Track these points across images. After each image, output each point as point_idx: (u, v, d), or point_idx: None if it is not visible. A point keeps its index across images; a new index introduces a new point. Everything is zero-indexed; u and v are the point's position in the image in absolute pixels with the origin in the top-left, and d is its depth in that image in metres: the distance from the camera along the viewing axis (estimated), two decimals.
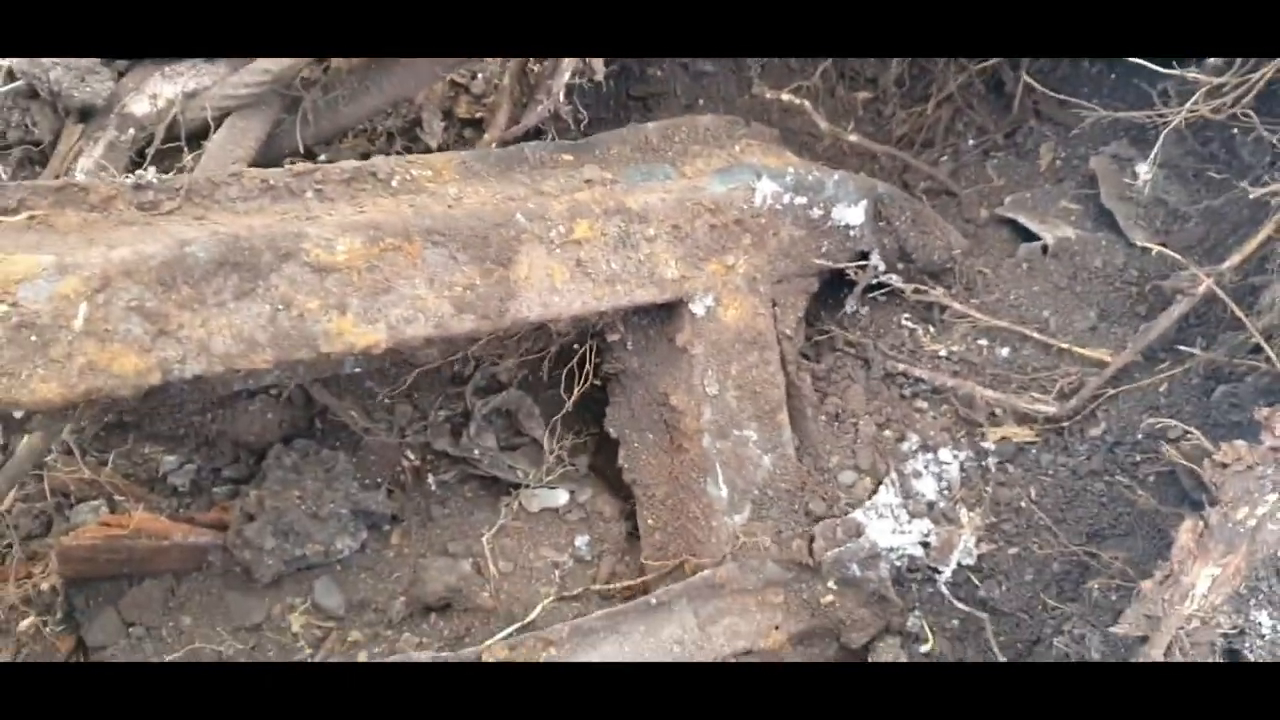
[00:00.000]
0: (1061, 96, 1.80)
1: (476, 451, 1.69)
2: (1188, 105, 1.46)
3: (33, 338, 1.13)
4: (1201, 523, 1.22)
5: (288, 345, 1.26)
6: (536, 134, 1.61)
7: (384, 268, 1.30)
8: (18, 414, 1.17)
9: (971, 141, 1.98)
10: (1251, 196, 1.41)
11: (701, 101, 1.97)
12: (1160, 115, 1.51)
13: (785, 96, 1.84)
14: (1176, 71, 1.51)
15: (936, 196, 1.91)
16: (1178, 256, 1.49)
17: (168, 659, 1.53)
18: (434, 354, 1.50)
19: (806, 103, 1.82)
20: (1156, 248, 1.52)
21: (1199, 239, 1.63)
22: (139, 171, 1.30)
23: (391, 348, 1.32)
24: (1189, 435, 1.33)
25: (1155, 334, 1.53)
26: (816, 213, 1.59)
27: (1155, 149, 1.49)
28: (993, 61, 1.96)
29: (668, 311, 1.54)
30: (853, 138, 1.83)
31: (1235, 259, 1.48)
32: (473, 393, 1.70)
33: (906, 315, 1.71)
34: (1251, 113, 1.45)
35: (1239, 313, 1.42)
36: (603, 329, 1.58)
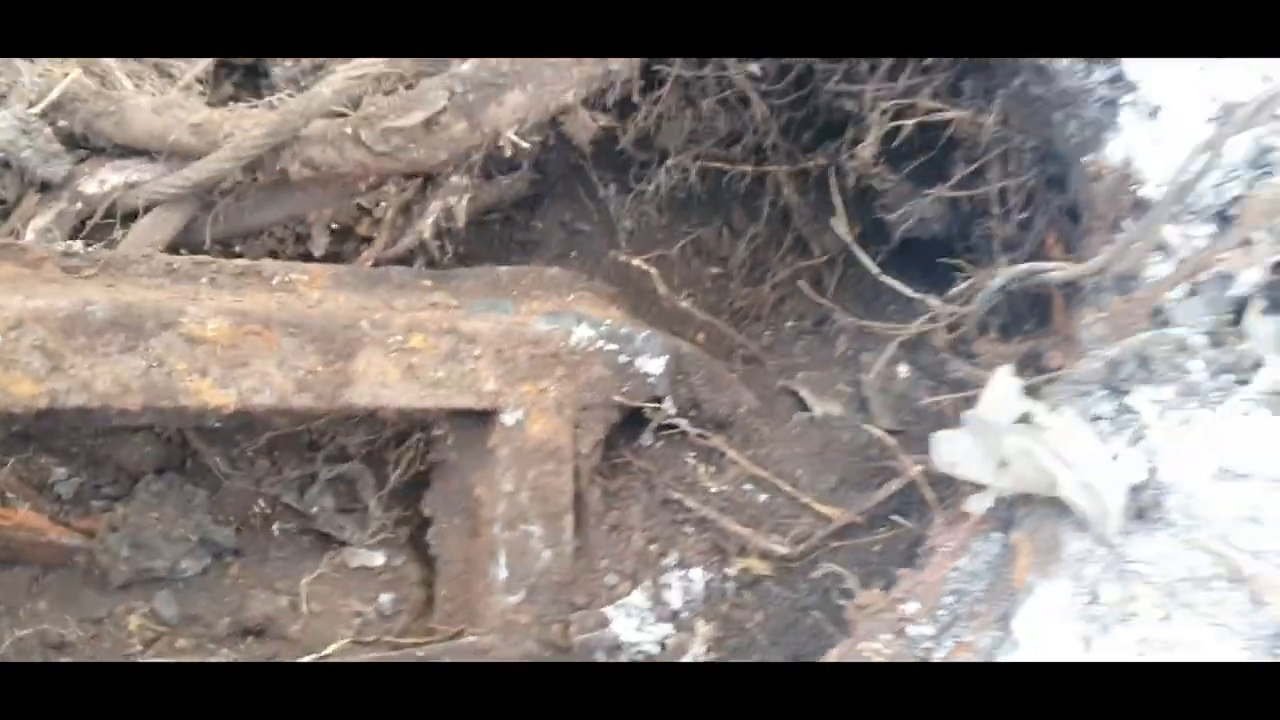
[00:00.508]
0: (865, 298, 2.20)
1: (315, 509, 2.02)
2: (915, 325, 1.85)
3: None
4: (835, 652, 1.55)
5: (154, 395, 1.60)
6: (408, 262, 1.99)
7: (243, 346, 1.65)
8: None
9: (789, 324, 2.37)
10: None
11: (573, 253, 2.36)
12: (898, 329, 1.89)
13: (636, 262, 2.22)
14: (919, 297, 1.89)
15: (749, 362, 2.28)
16: (894, 445, 1.85)
17: (17, 634, 1.85)
18: (282, 422, 1.85)
19: (653, 270, 2.20)
20: (879, 433, 1.88)
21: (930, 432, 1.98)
22: (68, 242, 1.67)
23: (238, 410, 1.67)
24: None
25: (872, 503, 1.89)
26: (623, 359, 1.95)
27: (887, 352, 1.87)
28: (821, 259, 2.37)
29: (484, 418, 1.88)
30: (683, 304, 2.21)
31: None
32: (323, 459, 2.04)
33: (692, 453, 2.06)
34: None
35: (929, 496, 1.77)
36: (431, 424, 1.94)
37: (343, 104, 1.71)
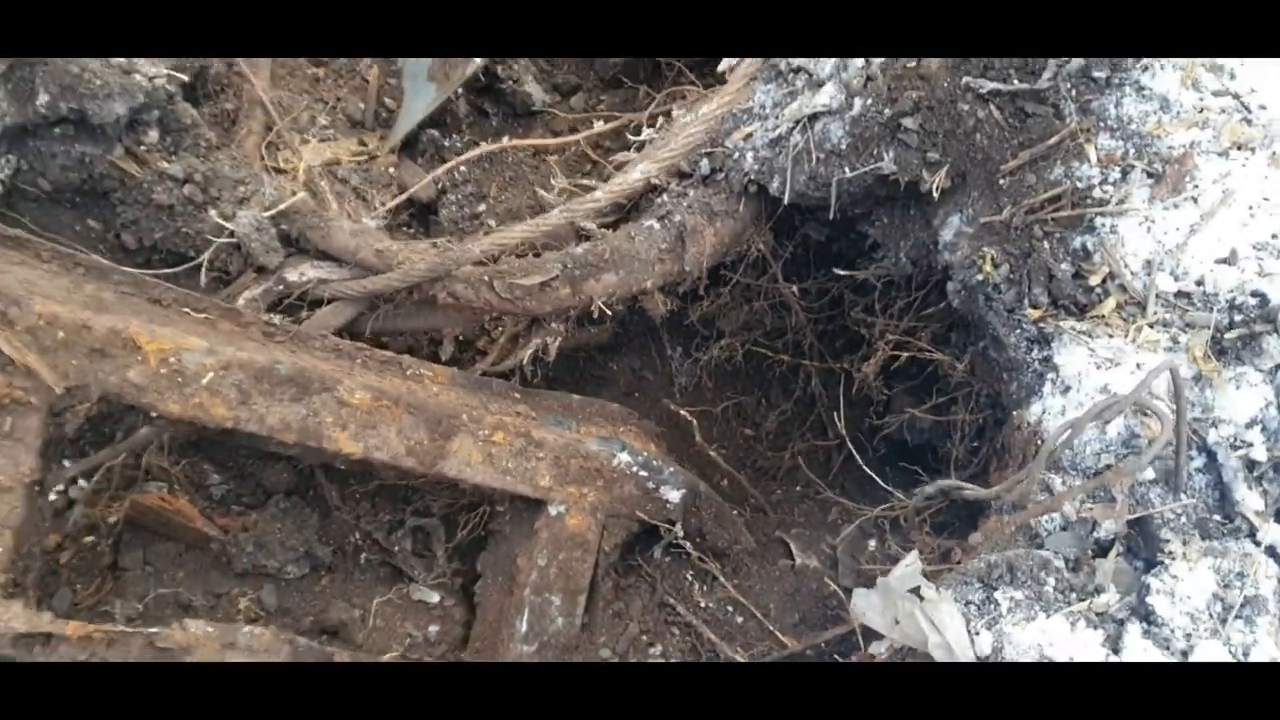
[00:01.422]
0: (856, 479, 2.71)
1: (396, 548, 2.59)
2: (876, 510, 2.36)
3: (179, 379, 2.11)
4: None
5: (306, 435, 2.20)
6: (508, 376, 2.58)
7: (375, 414, 2.25)
8: (153, 415, 2.15)
9: (798, 488, 2.89)
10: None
11: (636, 394, 2.94)
12: (863, 510, 2.41)
13: (683, 412, 2.79)
14: (888, 489, 2.40)
15: (756, 511, 2.81)
16: (846, 598, 2.34)
17: (159, 591, 2.43)
18: (389, 475, 2.43)
19: (695, 421, 2.77)
20: (837, 588, 2.38)
21: None
22: (270, 315, 2.32)
23: (360, 459, 2.26)
24: None
25: (818, 640, 2.37)
26: (650, 485, 2.49)
27: (852, 526, 2.40)
28: (834, 441, 2.89)
29: (535, 505, 2.43)
30: (712, 454, 2.76)
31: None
32: (410, 511, 2.62)
33: (690, 571, 2.57)
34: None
35: (863, 646, 2.25)
36: (496, 501, 2.50)
37: (486, 258, 2.33)
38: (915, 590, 1.92)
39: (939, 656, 1.85)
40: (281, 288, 2.42)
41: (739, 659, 2.40)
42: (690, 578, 2.56)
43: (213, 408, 2.13)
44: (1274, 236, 2.08)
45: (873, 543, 2.59)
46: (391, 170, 2.82)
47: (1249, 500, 1.91)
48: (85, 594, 2.42)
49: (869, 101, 2.27)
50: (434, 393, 2.38)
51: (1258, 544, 1.87)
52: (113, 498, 2.44)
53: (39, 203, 2.37)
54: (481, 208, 2.82)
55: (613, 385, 2.93)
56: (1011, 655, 1.83)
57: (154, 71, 2.27)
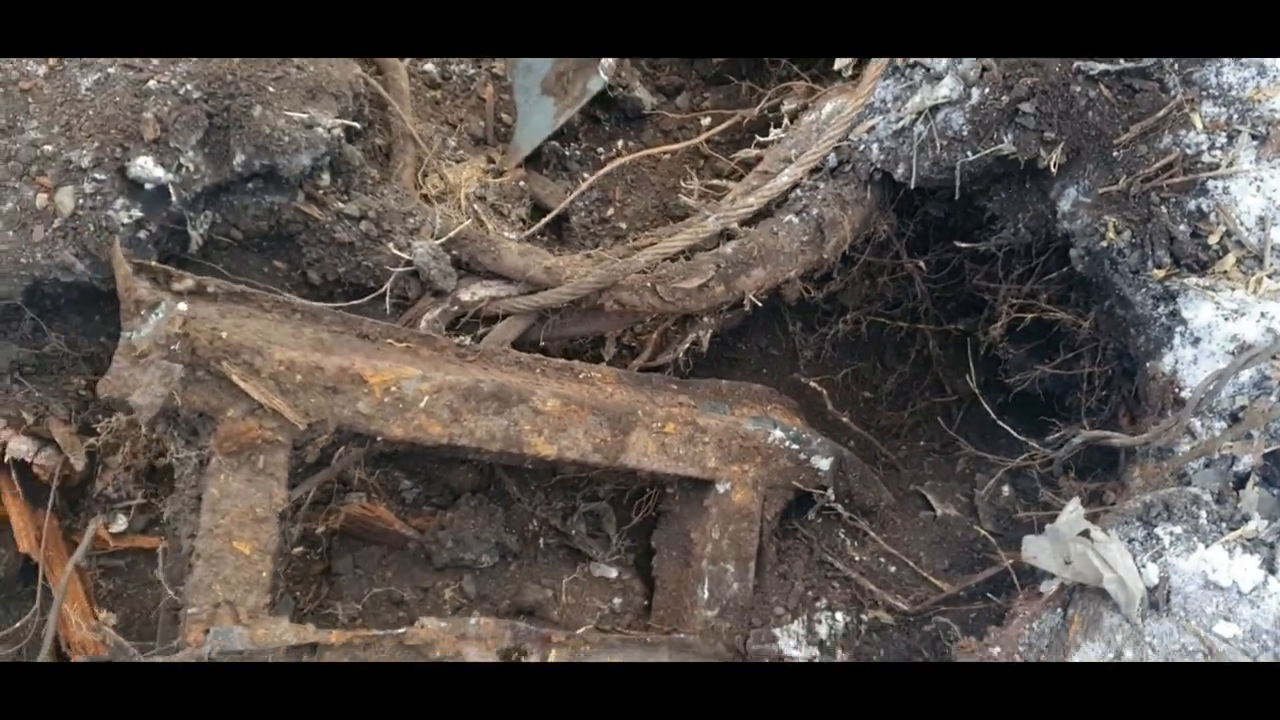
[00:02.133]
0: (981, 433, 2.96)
1: (573, 532, 2.85)
2: (1018, 460, 2.61)
3: (400, 405, 2.35)
4: None
5: (509, 444, 2.44)
6: (662, 368, 2.82)
7: (565, 419, 2.50)
8: (378, 439, 2.39)
9: (921, 443, 3.14)
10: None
11: (764, 370, 3.17)
12: (1005, 461, 2.65)
13: (813, 384, 3.03)
14: (1023, 439, 2.64)
15: (889, 469, 3.06)
16: (994, 543, 2.60)
17: (374, 590, 2.70)
18: (572, 470, 2.68)
19: (824, 391, 3.00)
20: (984, 533, 2.64)
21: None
22: (462, 338, 2.56)
23: (555, 460, 2.51)
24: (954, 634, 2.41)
25: (973, 581, 2.62)
26: (802, 456, 2.74)
27: (995, 476, 2.64)
28: (952, 398, 3.14)
29: (703, 485, 2.67)
30: (845, 419, 3.00)
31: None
32: (580, 497, 2.87)
33: (842, 530, 2.83)
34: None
35: (1015, 581, 2.50)
36: (666, 483, 2.75)
37: (647, 266, 2.56)
38: (1084, 533, 2.17)
39: (1112, 590, 2.10)
40: (458, 308, 2.64)
41: (901, 605, 2.66)
42: (843, 536, 2.82)
43: (430, 428, 2.36)
44: None
45: (1007, 488, 2.84)
46: (521, 184, 3.02)
47: None
48: (306, 600, 2.68)
49: (986, 90, 2.48)
50: (608, 393, 2.62)
51: None
52: (324, 512, 2.69)
53: (229, 250, 2.59)
54: (610, 212, 3.03)
55: (743, 365, 3.16)
56: (1177, 583, 2.08)
57: (330, 122, 2.48)
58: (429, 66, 3.19)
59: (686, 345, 2.68)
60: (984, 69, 2.49)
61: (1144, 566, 2.10)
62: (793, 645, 2.64)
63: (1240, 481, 2.20)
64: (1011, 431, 2.64)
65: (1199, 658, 2.04)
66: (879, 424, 3.20)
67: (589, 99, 2.96)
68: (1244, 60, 2.40)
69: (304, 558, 2.74)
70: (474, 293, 2.65)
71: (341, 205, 2.57)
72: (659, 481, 2.75)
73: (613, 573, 2.83)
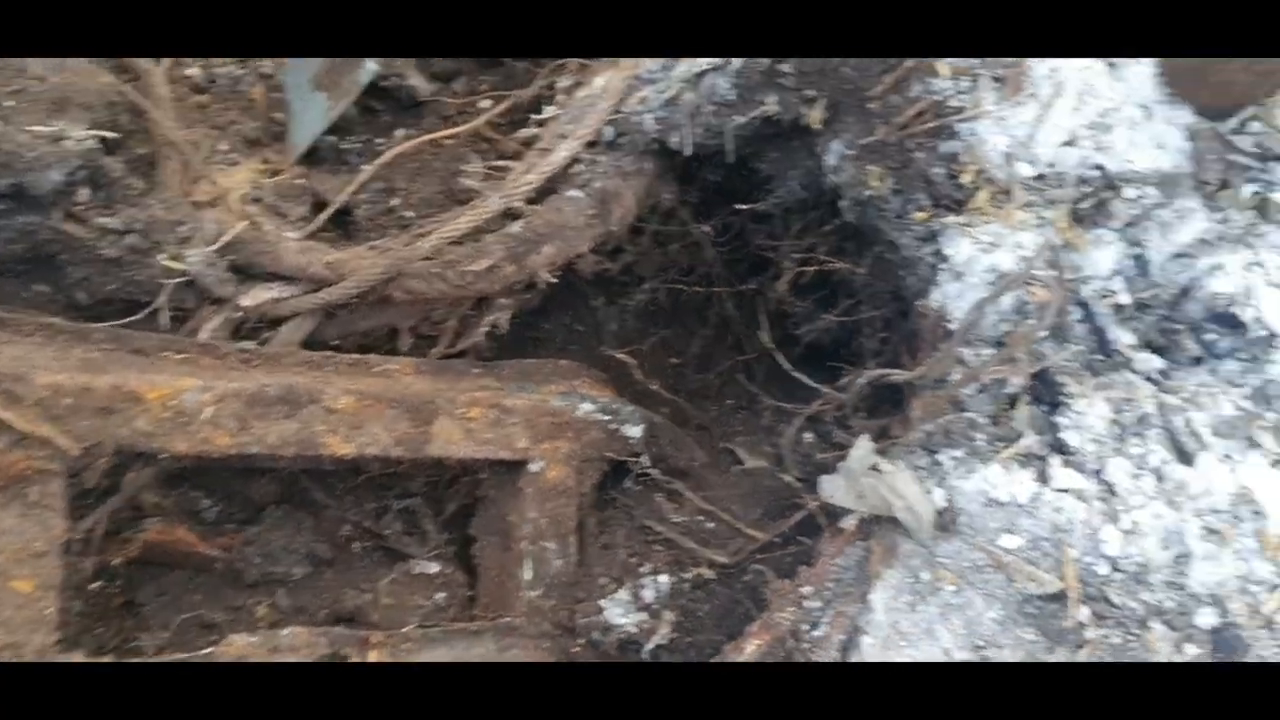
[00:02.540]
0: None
1: (388, 531, 2.80)
2: (813, 406, 2.70)
3: (182, 419, 2.25)
4: None
5: (304, 447, 2.38)
6: (463, 355, 2.80)
7: (362, 414, 2.44)
8: (163, 457, 2.28)
9: (729, 402, 3.22)
10: None
11: (571, 346, 3.19)
12: (802, 409, 2.75)
13: (619, 355, 3.06)
14: (817, 387, 2.74)
15: (701, 429, 3.12)
16: (799, 488, 2.69)
17: (181, 617, 2.58)
18: (376, 467, 2.63)
19: (632, 360, 3.04)
20: (790, 480, 2.73)
21: None
22: (245, 342, 2.47)
23: (356, 458, 2.45)
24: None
25: (784, 527, 2.71)
26: (613, 426, 2.76)
27: (795, 424, 2.74)
28: (752, 356, 3.23)
29: (516, 466, 2.66)
30: (653, 387, 3.05)
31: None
32: (393, 495, 2.82)
33: (660, 494, 2.87)
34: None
35: (822, 522, 2.60)
36: (478, 470, 2.73)
37: (433, 252, 2.52)
38: (873, 468, 2.27)
39: (903, 517, 2.21)
40: (240, 314, 2.55)
41: (720, 559, 2.72)
42: (660, 499, 2.86)
43: (217, 439, 2.28)
44: (1101, 116, 2.47)
45: (809, 435, 2.94)
46: (300, 182, 2.94)
47: (1122, 338, 2.33)
48: (109, 636, 2.55)
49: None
50: (406, 384, 2.58)
51: (1135, 372, 2.29)
52: (118, 542, 2.56)
53: None
54: (395, 202, 2.97)
55: (549, 343, 3.17)
56: (961, 504, 2.21)
57: (81, 134, 2.35)
58: (193, 70, 3.06)
59: (485, 329, 2.66)
60: None
61: (930, 492, 2.21)
62: (620, 614, 2.66)
63: (1011, 402, 2.34)
64: (806, 380, 2.73)
65: (988, 571, 2.17)
66: (688, 388, 3.26)
67: (360, 91, 2.90)
68: None
69: (102, 592, 2.59)
70: (256, 297, 2.56)
71: (104, 220, 2.44)
72: (471, 469, 2.72)
73: (434, 568, 2.79)
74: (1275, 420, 2.23)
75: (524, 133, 2.88)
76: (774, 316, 3.00)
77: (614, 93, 2.54)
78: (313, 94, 3.05)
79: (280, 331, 2.57)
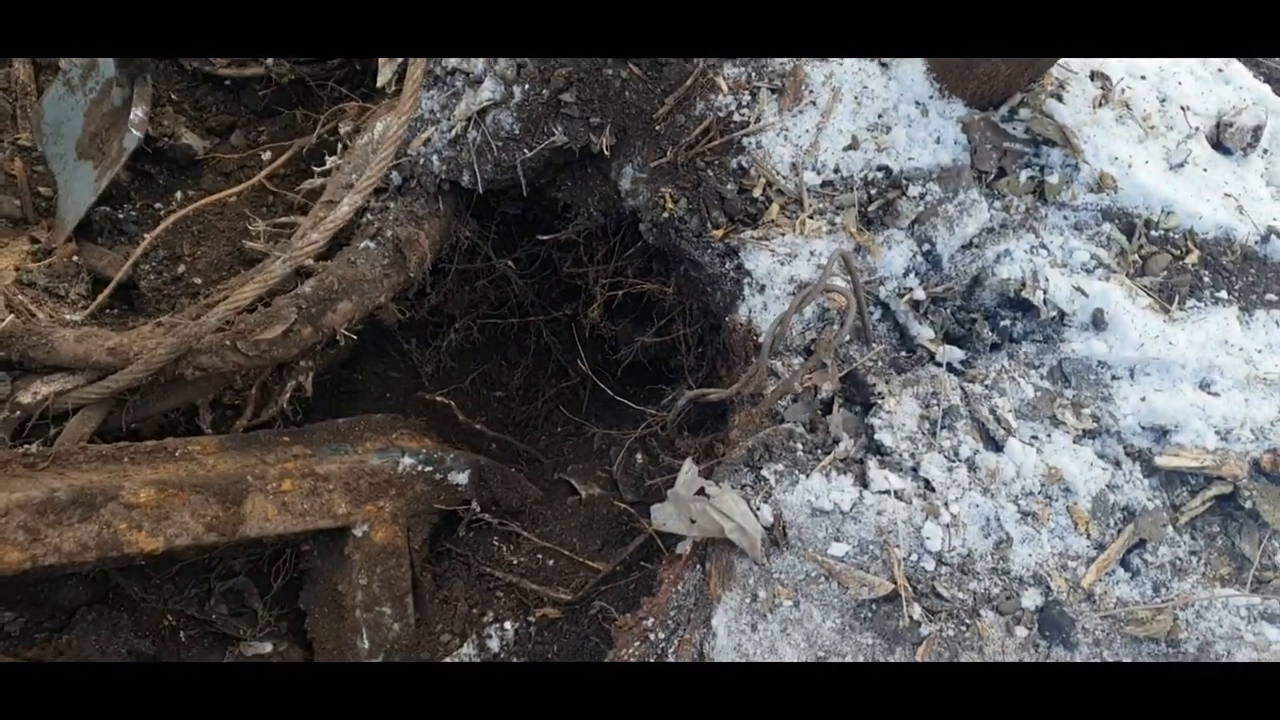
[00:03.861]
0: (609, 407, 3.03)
1: (214, 616, 2.65)
2: (639, 430, 2.69)
3: None
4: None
5: (105, 549, 2.22)
6: (270, 423, 2.67)
7: (166, 505, 2.30)
8: None
9: (558, 429, 3.18)
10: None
11: (388, 395, 3.09)
12: (628, 433, 2.73)
13: (439, 398, 2.98)
14: (640, 408, 2.73)
15: (531, 462, 3.07)
16: (634, 512, 2.67)
17: None
18: (189, 555, 2.49)
19: (452, 403, 2.96)
20: (625, 505, 2.71)
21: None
22: (26, 445, 2.29)
23: (166, 551, 2.31)
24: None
25: (624, 555, 2.69)
26: (438, 476, 2.69)
27: (623, 449, 2.72)
28: (576, 380, 3.19)
29: (340, 533, 2.57)
30: (477, 426, 2.98)
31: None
32: (214, 577, 2.68)
33: (495, 537, 2.81)
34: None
35: (660, 545, 2.59)
36: (300, 542, 2.62)
37: (222, 324, 2.39)
38: (700, 491, 2.27)
39: (735, 538, 2.21)
40: (20, 414, 2.37)
41: (564, 597, 2.68)
42: (497, 543, 2.80)
43: (7, 555, 2.11)
44: (879, 117, 2.53)
45: (640, 456, 2.93)
46: (75, 259, 2.75)
47: (922, 333, 2.39)
48: None
49: (527, 87, 2.51)
50: (210, 465, 2.44)
51: (939, 364, 2.36)
52: None
53: None
54: (181, 269, 2.82)
55: (364, 395, 3.06)
56: (789, 517, 2.22)
57: None
58: None
59: (288, 395, 2.54)
60: (519, 65, 2.51)
61: (758, 509, 2.22)
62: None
63: (826, 408, 2.37)
64: (629, 403, 2.72)
65: (821, 581, 2.19)
66: (515, 420, 3.20)
67: (128, 156, 2.72)
68: None
69: None
70: (35, 392, 2.39)
71: None
72: (293, 542, 2.61)
73: (267, 647, 2.67)
74: (1073, 396, 2.33)
75: (307, 184, 2.76)
76: (592, 342, 2.97)
77: (393, 139, 2.45)
78: (78, 163, 2.86)
79: (67, 426, 2.39)
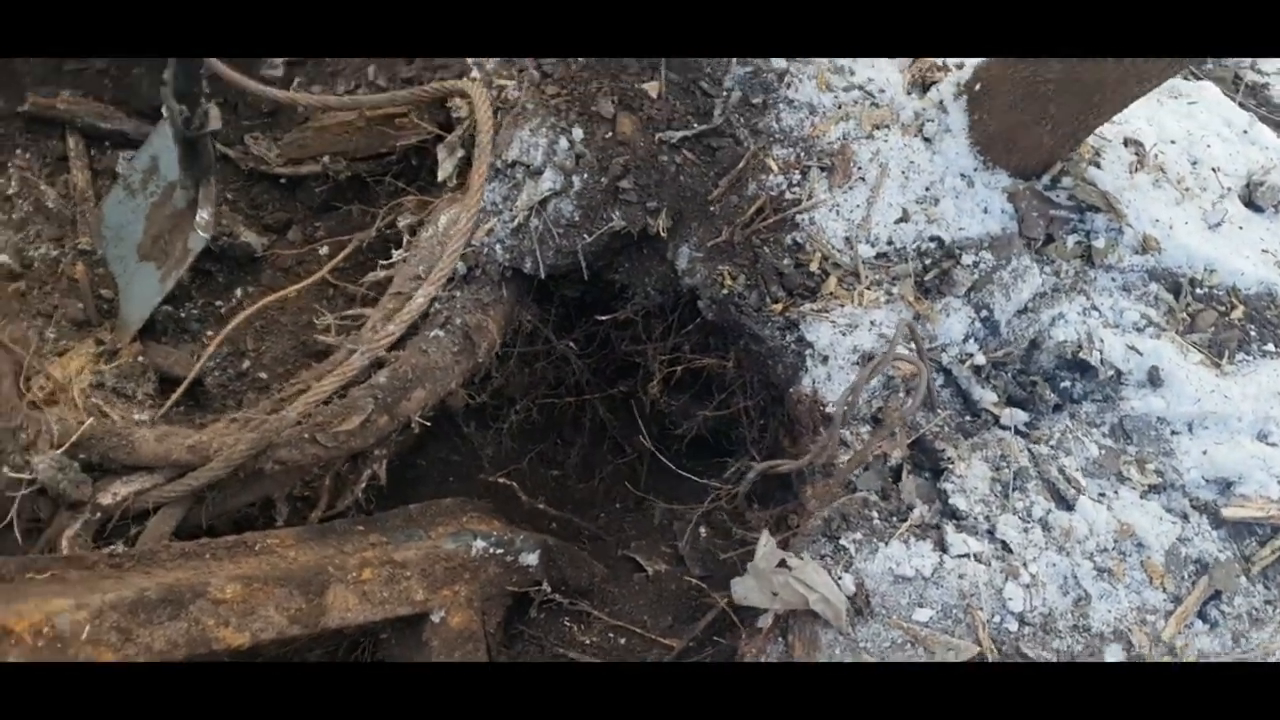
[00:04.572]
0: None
1: None
2: (705, 504, 2.73)
3: (59, 645, 2.09)
4: None
5: (194, 646, 2.25)
6: (344, 513, 2.71)
7: (251, 600, 2.33)
8: None
9: (617, 505, 3.21)
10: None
11: (451, 479, 3.13)
12: (693, 507, 2.77)
13: (501, 479, 3.02)
14: (704, 482, 2.77)
15: (593, 540, 3.10)
16: (704, 587, 2.70)
17: None
18: (274, 649, 2.50)
19: (514, 484, 3.00)
20: (695, 580, 2.74)
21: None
22: (113, 546, 2.32)
23: (251, 647, 2.33)
24: None
25: (697, 630, 2.71)
26: (509, 559, 2.72)
27: (691, 523, 2.76)
28: (633, 456, 3.24)
29: (417, 620, 2.60)
30: (541, 505, 3.02)
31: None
32: None
33: (567, 617, 2.84)
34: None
35: (735, 619, 2.61)
36: (378, 631, 2.64)
37: (301, 417, 2.44)
38: (781, 563, 2.30)
39: (820, 609, 2.25)
40: (100, 515, 2.41)
41: None
42: (568, 623, 2.82)
43: (100, 657, 2.13)
44: (927, 189, 2.61)
45: (704, 530, 2.97)
46: (141, 359, 2.81)
47: (985, 397, 2.45)
48: None
49: (585, 176, 2.59)
50: (291, 557, 2.47)
51: (1005, 428, 2.41)
52: None
53: None
54: (245, 365, 2.88)
55: (428, 480, 3.10)
56: (871, 585, 2.26)
57: None
58: (3, 258, 2.90)
59: (364, 484, 2.59)
60: (578, 155, 2.60)
61: (840, 578, 2.26)
62: None
63: (896, 475, 2.42)
64: (693, 477, 2.76)
65: (908, 649, 2.21)
66: (574, 498, 3.24)
67: (194, 257, 2.80)
68: (795, 103, 2.66)
69: None
70: (115, 493, 2.43)
71: None
72: (371, 631, 2.63)
73: None
74: (1136, 452, 2.38)
75: (371, 276, 2.83)
76: (651, 417, 3.02)
77: (463, 231, 2.53)
78: (140, 265, 2.93)
79: (148, 525, 2.43)
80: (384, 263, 2.75)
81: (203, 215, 2.75)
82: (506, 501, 3.04)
